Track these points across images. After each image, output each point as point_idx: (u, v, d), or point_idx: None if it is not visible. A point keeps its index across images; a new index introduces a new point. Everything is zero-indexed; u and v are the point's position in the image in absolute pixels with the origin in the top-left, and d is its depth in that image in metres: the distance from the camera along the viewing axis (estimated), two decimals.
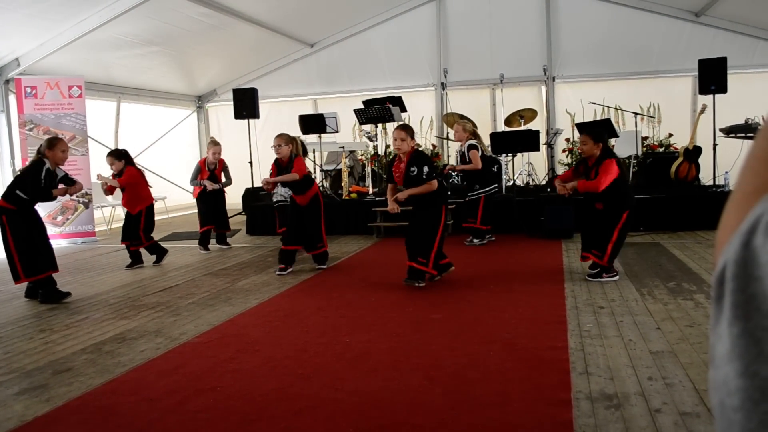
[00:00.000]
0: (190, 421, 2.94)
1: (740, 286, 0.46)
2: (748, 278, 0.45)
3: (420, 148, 6.08)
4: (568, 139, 10.46)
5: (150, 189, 7.28)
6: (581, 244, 5.78)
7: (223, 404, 3.11)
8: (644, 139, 9.99)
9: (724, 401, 0.46)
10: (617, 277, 5.51)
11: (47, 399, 3.26)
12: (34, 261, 5.49)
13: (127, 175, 6.94)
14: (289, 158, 6.43)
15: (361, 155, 10.70)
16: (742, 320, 0.45)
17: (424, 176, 5.46)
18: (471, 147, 7.59)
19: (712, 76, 8.82)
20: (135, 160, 7.25)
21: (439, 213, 5.49)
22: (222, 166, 8.08)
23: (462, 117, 9.93)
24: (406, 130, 5.59)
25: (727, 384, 0.46)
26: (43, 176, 5.48)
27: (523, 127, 9.66)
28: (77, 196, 9.46)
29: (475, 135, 7.73)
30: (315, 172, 9.95)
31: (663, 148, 10.14)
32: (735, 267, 0.46)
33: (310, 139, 10.15)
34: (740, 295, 0.46)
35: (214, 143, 8.13)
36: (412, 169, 5.50)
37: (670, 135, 10.26)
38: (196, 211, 8.20)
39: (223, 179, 8.04)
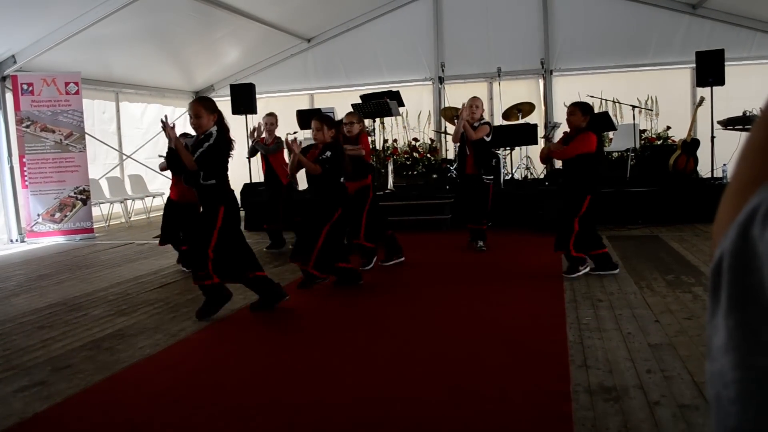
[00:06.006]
0: (190, 418, 2.94)
1: (737, 277, 0.45)
2: (745, 269, 0.45)
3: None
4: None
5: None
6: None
7: (222, 400, 3.11)
8: (642, 131, 10.00)
9: (720, 393, 0.46)
10: (617, 271, 5.44)
11: (47, 396, 3.26)
12: None
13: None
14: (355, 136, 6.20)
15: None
16: (739, 311, 0.45)
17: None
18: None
19: (710, 69, 8.81)
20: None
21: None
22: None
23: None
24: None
25: (723, 376, 0.46)
26: None
27: (521, 121, 9.65)
28: (75, 193, 9.41)
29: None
30: None
31: (661, 141, 10.13)
32: (732, 258, 0.46)
33: (307, 134, 10.12)
34: (737, 287, 0.45)
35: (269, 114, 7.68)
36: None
37: (668, 127, 10.25)
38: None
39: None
